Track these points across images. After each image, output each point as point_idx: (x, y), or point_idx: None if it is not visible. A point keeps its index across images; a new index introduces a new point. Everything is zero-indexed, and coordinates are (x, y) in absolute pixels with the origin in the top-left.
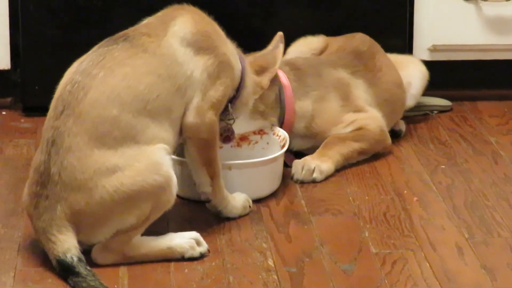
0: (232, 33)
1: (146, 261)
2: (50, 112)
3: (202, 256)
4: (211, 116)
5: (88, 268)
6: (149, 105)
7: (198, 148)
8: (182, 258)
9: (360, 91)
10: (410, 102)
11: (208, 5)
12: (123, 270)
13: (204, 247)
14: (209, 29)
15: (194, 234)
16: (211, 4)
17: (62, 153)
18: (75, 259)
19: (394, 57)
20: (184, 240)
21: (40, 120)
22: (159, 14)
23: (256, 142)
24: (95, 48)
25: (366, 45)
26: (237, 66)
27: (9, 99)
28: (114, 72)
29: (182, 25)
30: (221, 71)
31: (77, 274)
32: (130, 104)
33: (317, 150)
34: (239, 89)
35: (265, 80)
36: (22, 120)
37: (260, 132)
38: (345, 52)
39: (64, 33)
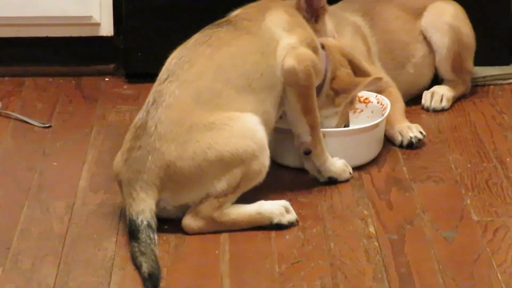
0: None
1: (235, 228)
2: (155, 82)
3: (290, 225)
4: (308, 65)
5: (151, 236)
6: (254, 84)
7: (297, 95)
8: (270, 225)
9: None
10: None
11: None
12: (224, 236)
13: (293, 215)
14: (300, 20)
15: (284, 202)
16: None
17: (161, 109)
18: (145, 222)
19: None
20: (275, 206)
21: (143, 87)
22: (253, 5)
23: (362, 111)
24: (199, 32)
25: None
26: (322, 63)
27: (112, 66)
28: (220, 50)
29: (278, 15)
30: (313, 49)
31: (137, 239)
32: (235, 81)
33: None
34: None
35: (339, 99)
36: (125, 87)
37: (366, 100)
38: None
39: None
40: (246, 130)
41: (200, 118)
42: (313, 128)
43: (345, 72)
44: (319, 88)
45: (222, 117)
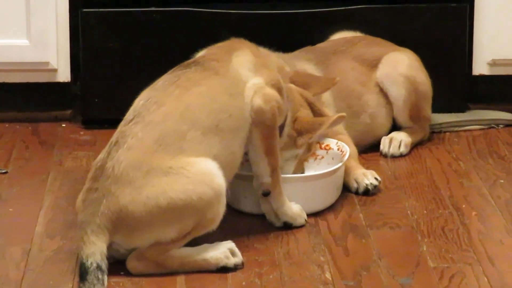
0: None
1: (180, 271)
2: (121, 122)
3: (235, 268)
4: (273, 105)
5: (100, 277)
6: (222, 124)
7: (262, 135)
8: (216, 270)
9: None
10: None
11: None
12: (180, 283)
13: (238, 258)
14: (266, 60)
15: (229, 245)
16: None
17: (121, 151)
18: (94, 265)
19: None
20: (219, 251)
21: (100, 133)
22: (220, 45)
23: (322, 157)
24: (168, 73)
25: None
26: (285, 103)
27: (69, 112)
28: (189, 91)
29: (244, 57)
30: (278, 90)
31: (84, 280)
32: (203, 121)
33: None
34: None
35: (301, 140)
36: (82, 133)
37: (326, 147)
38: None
39: (124, 46)
40: (204, 175)
41: (158, 162)
42: (274, 169)
43: (306, 113)
44: (280, 129)
45: (181, 162)
